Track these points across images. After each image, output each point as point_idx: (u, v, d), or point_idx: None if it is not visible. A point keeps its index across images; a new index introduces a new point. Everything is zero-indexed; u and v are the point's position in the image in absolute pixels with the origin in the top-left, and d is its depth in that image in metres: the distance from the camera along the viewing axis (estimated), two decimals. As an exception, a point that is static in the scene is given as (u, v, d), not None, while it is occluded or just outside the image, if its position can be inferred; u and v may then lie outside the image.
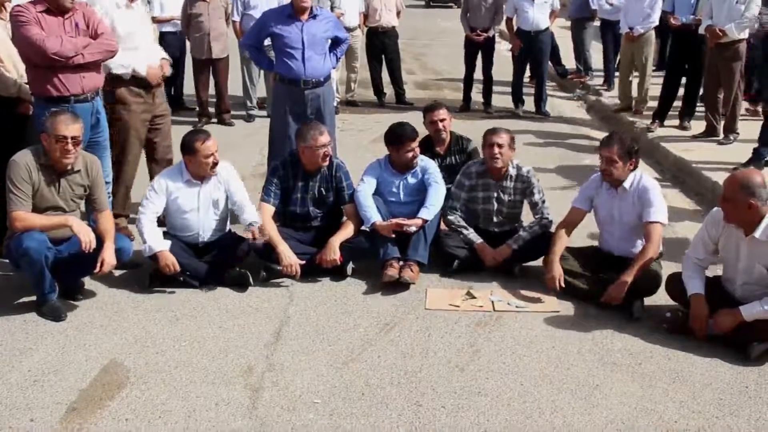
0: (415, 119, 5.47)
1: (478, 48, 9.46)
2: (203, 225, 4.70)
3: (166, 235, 4.62)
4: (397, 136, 4.94)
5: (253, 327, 4.10)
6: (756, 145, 6.54)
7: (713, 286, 4.00)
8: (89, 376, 3.59)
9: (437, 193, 4.88)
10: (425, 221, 4.75)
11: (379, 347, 3.88)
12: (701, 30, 7.33)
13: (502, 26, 9.83)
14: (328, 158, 4.84)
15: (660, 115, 8.13)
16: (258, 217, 4.70)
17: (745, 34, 7.13)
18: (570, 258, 4.47)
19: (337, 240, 4.66)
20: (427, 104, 5.73)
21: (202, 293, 4.50)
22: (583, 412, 3.31)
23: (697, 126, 7.77)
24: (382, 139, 5.13)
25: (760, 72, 7.81)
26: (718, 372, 3.64)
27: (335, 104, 7.73)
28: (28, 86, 4.76)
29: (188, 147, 4.58)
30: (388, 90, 10.11)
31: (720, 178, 5.67)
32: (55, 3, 4.51)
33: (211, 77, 8.92)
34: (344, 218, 4.92)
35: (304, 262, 4.63)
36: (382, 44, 9.82)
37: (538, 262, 4.66)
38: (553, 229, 4.70)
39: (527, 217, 4.92)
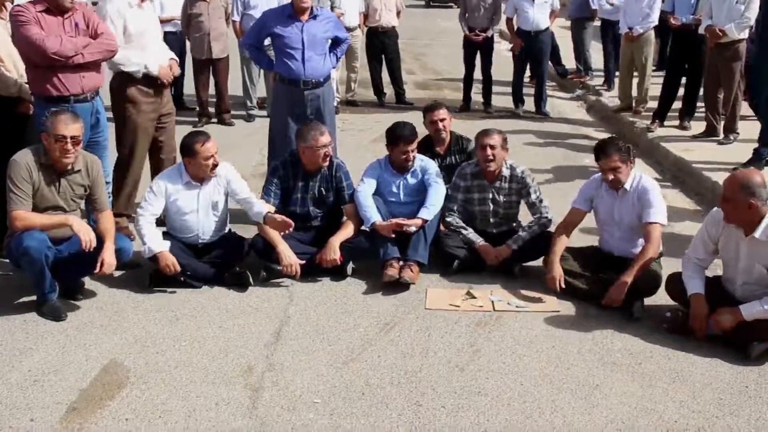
0: (415, 119, 5.46)
1: (476, 48, 9.46)
2: (203, 226, 4.70)
3: (165, 235, 4.61)
4: (394, 136, 4.95)
5: (253, 327, 4.10)
6: (756, 145, 6.54)
7: (713, 286, 4.00)
8: (89, 376, 3.60)
9: (437, 193, 4.88)
10: (425, 221, 4.75)
11: (379, 347, 3.88)
12: (701, 30, 7.33)
13: (502, 26, 9.83)
14: (328, 158, 4.85)
15: (660, 115, 8.13)
16: (267, 206, 4.68)
17: (745, 34, 7.12)
18: (570, 258, 4.47)
19: (337, 240, 4.66)
20: (427, 104, 5.73)
21: (202, 293, 4.50)
22: (583, 412, 3.31)
23: (697, 126, 7.77)
24: (382, 139, 5.14)
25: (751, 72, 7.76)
26: (718, 372, 3.64)
27: (335, 104, 7.73)
28: (28, 86, 4.77)
29: (188, 149, 4.57)
30: (388, 90, 10.11)
31: (720, 178, 5.67)
32: (54, 3, 4.52)
33: (211, 77, 8.93)
34: (344, 218, 4.92)
35: (304, 261, 4.63)
36: (382, 44, 9.82)
37: (538, 262, 4.67)
38: (552, 228, 4.71)
39: (526, 217, 4.91)
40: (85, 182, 4.32)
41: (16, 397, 3.42)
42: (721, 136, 7.46)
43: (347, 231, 4.75)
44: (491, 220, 4.91)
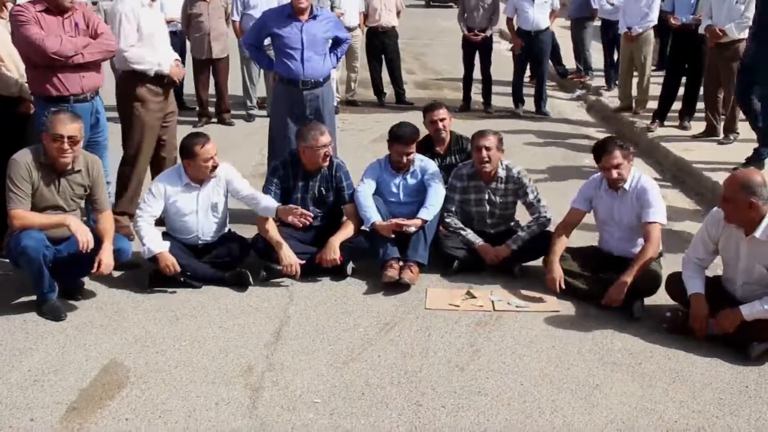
0: (415, 119, 5.46)
1: (475, 48, 9.46)
2: (202, 227, 4.70)
3: (165, 235, 4.61)
4: (394, 136, 4.95)
5: (253, 327, 4.10)
6: (756, 145, 6.54)
7: (713, 286, 4.00)
8: (89, 376, 3.59)
9: (437, 193, 4.88)
10: (425, 221, 4.75)
11: (379, 347, 3.88)
12: (701, 30, 7.33)
13: (502, 26, 9.82)
14: (328, 158, 4.85)
15: (660, 115, 8.13)
16: (273, 201, 4.67)
17: (744, 34, 7.11)
18: (569, 258, 4.47)
19: (337, 240, 4.66)
20: (427, 104, 5.72)
21: (202, 293, 4.49)
22: (583, 412, 3.31)
23: (697, 126, 7.77)
24: (381, 139, 5.15)
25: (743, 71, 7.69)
26: (718, 372, 3.64)
27: (335, 104, 7.73)
28: (28, 86, 4.77)
29: (187, 151, 4.57)
30: (388, 90, 10.11)
31: (720, 178, 5.67)
32: (54, 3, 4.52)
33: (211, 77, 8.93)
34: (344, 218, 4.92)
35: (304, 261, 4.63)
36: (382, 44, 9.82)
37: (538, 262, 4.66)
38: (551, 227, 4.71)
39: (525, 217, 4.91)
40: (86, 182, 4.32)
41: (16, 397, 3.42)
42: (721, 136, 7.46)
43: (347, 231, 4.75)
44: (488, 220, 4.91)
